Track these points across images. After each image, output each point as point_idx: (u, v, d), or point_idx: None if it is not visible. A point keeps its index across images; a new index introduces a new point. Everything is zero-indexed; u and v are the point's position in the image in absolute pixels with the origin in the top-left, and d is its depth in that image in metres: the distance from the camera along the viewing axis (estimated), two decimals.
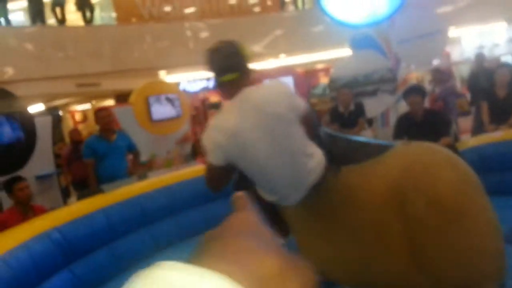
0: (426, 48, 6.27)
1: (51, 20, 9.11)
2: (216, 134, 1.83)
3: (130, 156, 4.67)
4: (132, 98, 6.75)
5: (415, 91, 4.24)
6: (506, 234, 2.04)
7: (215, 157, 1.85)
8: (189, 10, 10.05)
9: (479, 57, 7.33)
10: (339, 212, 2.03)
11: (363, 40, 6.46)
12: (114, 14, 10.01)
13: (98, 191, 3.75)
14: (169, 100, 6.52)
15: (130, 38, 9.08)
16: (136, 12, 9.61)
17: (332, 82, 6.82)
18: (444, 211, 1.80)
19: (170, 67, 9.71)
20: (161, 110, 6.43)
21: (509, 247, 1.90)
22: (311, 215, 2.10)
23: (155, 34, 9.33)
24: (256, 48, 9.73)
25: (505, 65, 5.32)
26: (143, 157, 5.61)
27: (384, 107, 6.57)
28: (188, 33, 9.53)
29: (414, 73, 9.45)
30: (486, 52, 8.88)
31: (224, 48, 1.88)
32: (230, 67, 1.86)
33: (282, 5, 10.93)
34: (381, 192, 1.91)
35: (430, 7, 6.97)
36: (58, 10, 8.94)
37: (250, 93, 1.85)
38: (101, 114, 4.35)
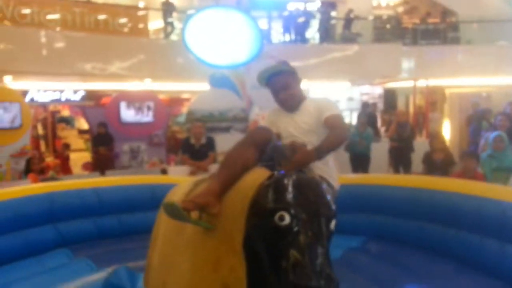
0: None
1: None
2: None
3: None
4: None
5: None
6: None
7: None
8: (50, 17, 9.27)
9: None
10: None
11: (221, 79, 6.85)
12: None
13: None
14: (6, 109, 5.84)
15: None
16: None
17: (189, 113, 7.01)
18: None
19: (16, 72, 8.75)
20: None
21: None
22: None
23: (3, 36, 8.35)
24: (120, 68, 9.47)
25: None
26: None
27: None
28: (43, 40, 8.77)
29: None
30: None
31: None
32: None
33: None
34: None
35: (284, 60, 7.79)
36: None
37: None
38: None
